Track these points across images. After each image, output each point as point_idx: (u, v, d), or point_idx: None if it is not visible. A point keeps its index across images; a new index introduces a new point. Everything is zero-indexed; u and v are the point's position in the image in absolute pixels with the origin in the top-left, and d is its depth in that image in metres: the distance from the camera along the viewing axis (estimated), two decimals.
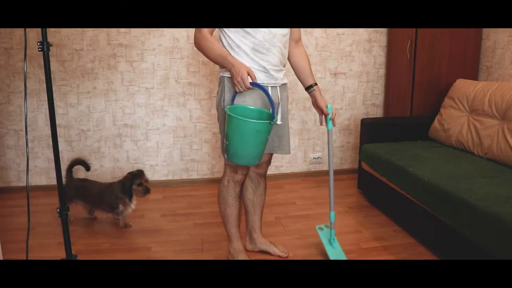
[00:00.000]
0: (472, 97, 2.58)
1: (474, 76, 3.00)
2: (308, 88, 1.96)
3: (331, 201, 2.07)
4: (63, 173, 2.53)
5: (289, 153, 2.01)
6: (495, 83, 2.50)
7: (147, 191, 2.40)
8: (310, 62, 2.00)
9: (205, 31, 1.73)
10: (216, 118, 2.27)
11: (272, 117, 1.64)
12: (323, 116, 1.97)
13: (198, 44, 1.76)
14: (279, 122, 1.86)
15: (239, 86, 1.66)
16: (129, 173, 2.43)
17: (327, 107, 1.93)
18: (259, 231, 2.12)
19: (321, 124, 2.01)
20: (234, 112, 1.66)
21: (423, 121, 2.90)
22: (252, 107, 1.76)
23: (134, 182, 2.39)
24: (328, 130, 1.98)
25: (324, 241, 2.10)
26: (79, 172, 2.73)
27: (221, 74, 1.85)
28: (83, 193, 2.49)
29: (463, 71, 2.97)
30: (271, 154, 2.02)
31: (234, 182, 1.93)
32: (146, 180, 2.42)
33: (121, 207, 2.43)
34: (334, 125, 1.96)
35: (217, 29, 1.82)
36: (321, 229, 2.16)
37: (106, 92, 3.07)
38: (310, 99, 1.99)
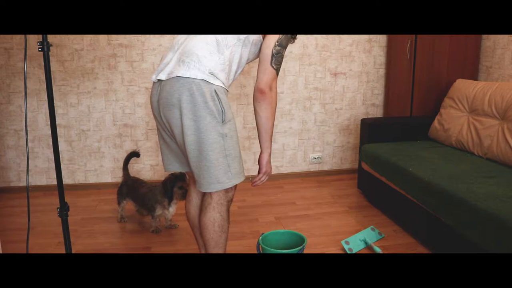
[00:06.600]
0: (472, 97, 2.58)
1: (474, 76, 3.00)
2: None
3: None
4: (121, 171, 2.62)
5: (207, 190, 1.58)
6: (495, 83, 2.50)
7: (186, 194, 2.20)
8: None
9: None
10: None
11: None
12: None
13: (273, 102, 1.57)
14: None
15: (264, 179, 1.70)
16: (171, 174, 2.30)
17: None
18: None
19: (253, 183, 1.75)
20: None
21: (423, 121, 2.90)
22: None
23: (176, 184, 2.28)
24: None
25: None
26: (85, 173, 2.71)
27: (211, 81, 1.47)
28: (133, 192, 2.43)
29: (463, 71, 2.97)
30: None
31: (228, 202, 1.66)
32: (188, 184, 2.17)
33: (158, 210, 2.34)
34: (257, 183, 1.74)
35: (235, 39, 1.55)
36: (347, 243, 2.15)
37: (106, 92, 3.07)
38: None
